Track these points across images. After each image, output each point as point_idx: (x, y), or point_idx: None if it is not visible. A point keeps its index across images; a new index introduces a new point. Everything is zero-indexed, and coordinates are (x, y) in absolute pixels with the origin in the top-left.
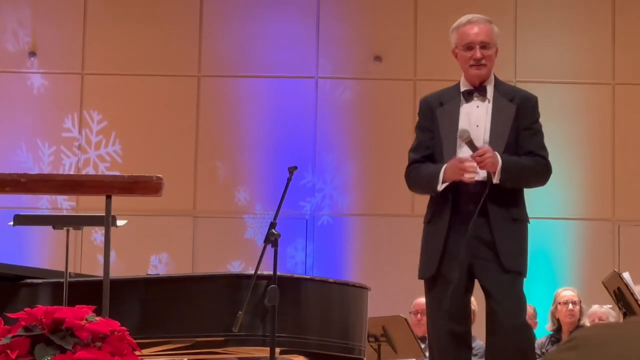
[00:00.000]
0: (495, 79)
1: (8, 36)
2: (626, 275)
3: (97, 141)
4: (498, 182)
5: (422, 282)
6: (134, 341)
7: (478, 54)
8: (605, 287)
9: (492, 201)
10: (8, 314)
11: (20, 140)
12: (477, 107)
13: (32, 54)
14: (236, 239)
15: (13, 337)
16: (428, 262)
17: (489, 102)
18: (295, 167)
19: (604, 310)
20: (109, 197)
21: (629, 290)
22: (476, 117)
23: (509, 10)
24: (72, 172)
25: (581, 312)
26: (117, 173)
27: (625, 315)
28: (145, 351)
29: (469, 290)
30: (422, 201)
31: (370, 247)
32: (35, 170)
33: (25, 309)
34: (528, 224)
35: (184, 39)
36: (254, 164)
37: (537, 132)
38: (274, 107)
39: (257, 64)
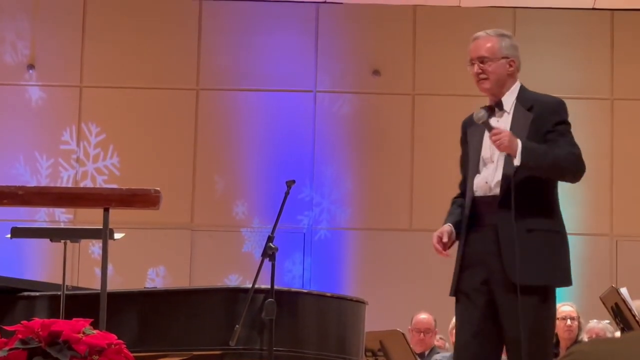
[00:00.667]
0: (521, 88)
1: (7, 48)
2: (624, 291)
3: (95, 154)
4: (519, 163)
5: (419, 296)
6: (131, 354)
7: (475, 69)
8: (603, 303)
9: (506, 215)
10: (5, 327)
11: (18, 153)
12: (497, 121)
13: (31, 66)
14: (234, 252)
15: (10, 350)
16: (453, 278)
17: (508, 114)
18: (293, 181)
19: (602, 326)
20: (106, 210)
21: (627, 305)
22: None
23: (507, 26)
24: (69, 185)
25: (579, 327)
26: (115, 186)
27: (623, 330)
28: None
29: (490, 306)
30: (420, 215)
31: (368, 261)
32: (33, 183)
33: (22, 322)
34: (556, 234)
35: (182, 52)
36: (252, 178)
37: (563, 133)
38: (272, 120)
39: (256, 78)
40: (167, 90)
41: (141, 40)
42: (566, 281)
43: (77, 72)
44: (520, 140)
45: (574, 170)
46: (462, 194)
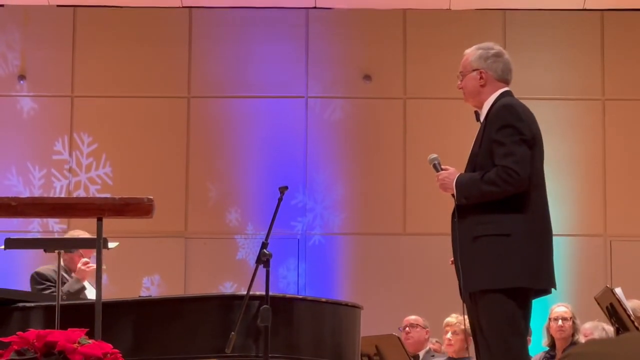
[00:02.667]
0: (499, 96)
1: None
2: (618, 291)
3: (87, 163)
4: (457, 202)
5: (414, 300)
6: None
7: (457, 84)
8: (598, 303)
9: (459, 223)
10: (0, 338)
11: (11, 164)
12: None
13: (22, 77)
14: (228, 259)
15: None
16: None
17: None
18: (286, 187)
19: (589, 326)
20: (100, 220)
21: (622, 305)
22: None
23: (498, 28)
24: (63, 195)
25: (575, 328)
26: (108, 195)
27: (618, 330)
28: None
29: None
30: (413, 220)
31: (362, 266)
32: (26, 194)
33: (18, 333)
34: (505, 237)
35: (173, 60)
36: (245, 185)
37: (501, 143)
38: (264, 127)
39: (247, 85)
40: (159, 99)
41: (132, 49)
42: (515, 282)
43: (68, 82)
44: (472, 160)
45: (505, 186)
46: None
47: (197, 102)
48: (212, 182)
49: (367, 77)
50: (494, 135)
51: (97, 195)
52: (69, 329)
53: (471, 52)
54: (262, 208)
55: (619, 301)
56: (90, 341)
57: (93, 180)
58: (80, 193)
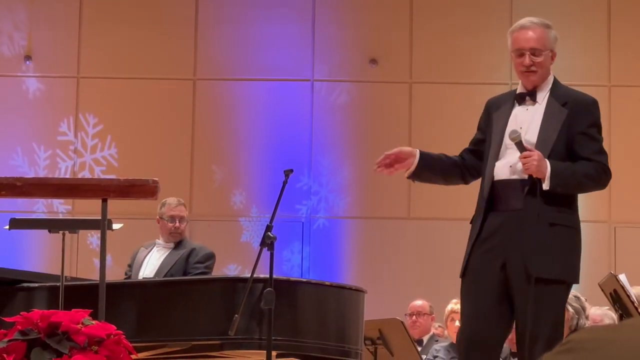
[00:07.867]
0: (555, 82)
1: (4, 40)
2: (622, 277)
3: (92, 145)
4: (548, 188)
5: (418, 284)
6: (130, 345)
7: (527, 61)
8: (602, 290)
9: (530, 202)
10: (4, 318)
11: (16, 144)
12: (527, 110)
13: (28, 57)
14: (232, 242)
15: (9, 341)
16: (463, 260)
17: (539, 105)
18: (291, 170)
19: (599, 313)
20: (104, 201)
21: (625, 292)
22: (521, 120)
23: (503, 13)
24: (68, 176)
25: (573, 313)
26: (113, 176)
27: (621, 317)
28: (141, 355)
29: (503, 291)
30: (418, 204)
31: (367, 250)
32: (31, 174)
33: (22, 313)
34: (575, 231)
35: (179, 42)
36: (250, 167)
37: (594, 138)
38: (269, 110)
39: (253, 67)
40: (165, 81)
41: (138, 30)
42: (577, 279)
43: (74, 63)
44: (547, 145)
45: (601, 183)
46: (463, 160)
47: (203, 85)
48: (217, 164)
49: (373, 61)
50: (585, 129)
51: (102, 176)
52: (72, 310)
53: (545, 30)
54: (266, 191)
55: (623, 288)
56: (93, 322)
57: (98, 161)
58: (85, 174)
